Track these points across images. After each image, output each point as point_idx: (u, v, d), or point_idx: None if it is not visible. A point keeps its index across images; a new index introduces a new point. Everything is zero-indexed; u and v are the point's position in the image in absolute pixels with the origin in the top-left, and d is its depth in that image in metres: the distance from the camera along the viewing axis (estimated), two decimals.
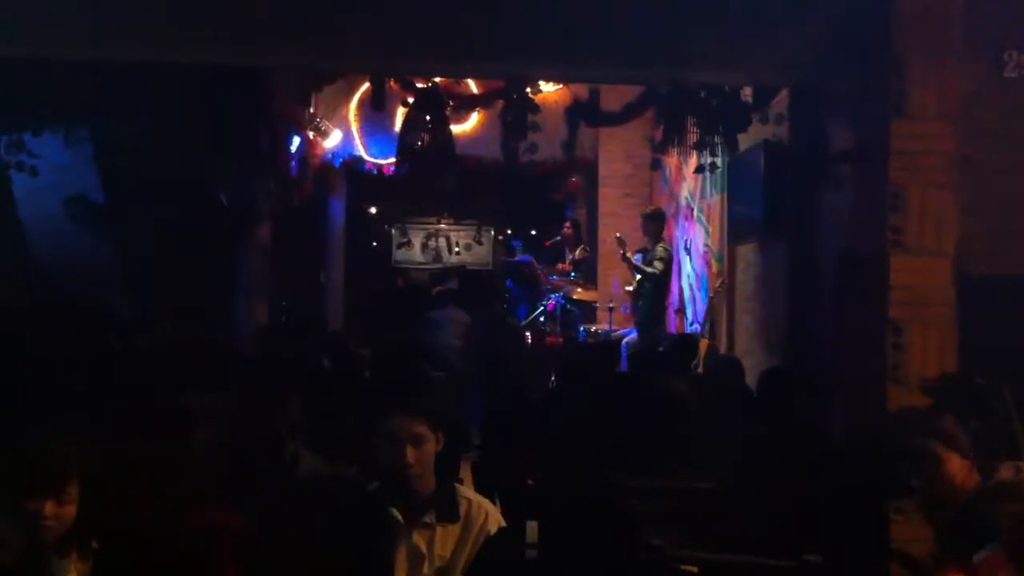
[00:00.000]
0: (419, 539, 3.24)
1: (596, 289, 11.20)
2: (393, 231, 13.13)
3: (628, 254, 9.29)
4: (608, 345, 8.05)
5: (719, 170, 8.18)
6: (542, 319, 10.63)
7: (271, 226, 9.14)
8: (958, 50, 4.87)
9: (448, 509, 3.27)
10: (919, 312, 4.83)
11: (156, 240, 8.02)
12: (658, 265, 9.13)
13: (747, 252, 8.10)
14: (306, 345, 6.33)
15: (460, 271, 10.98)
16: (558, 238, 11.55)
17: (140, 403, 3.76)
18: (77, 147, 7.80)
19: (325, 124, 10.11)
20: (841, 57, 5.23)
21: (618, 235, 9.59)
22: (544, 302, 10.71)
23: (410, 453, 3.21)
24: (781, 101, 6.69)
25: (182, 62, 5.86)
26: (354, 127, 10.51)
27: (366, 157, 10.80)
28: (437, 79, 8.38)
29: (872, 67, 5.02)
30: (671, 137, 7.19)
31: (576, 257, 11.27)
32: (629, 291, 9.71)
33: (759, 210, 7.27)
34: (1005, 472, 3.18)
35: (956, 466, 3.28)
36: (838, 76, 5.39)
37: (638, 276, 9.26)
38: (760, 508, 3.09)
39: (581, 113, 7.77)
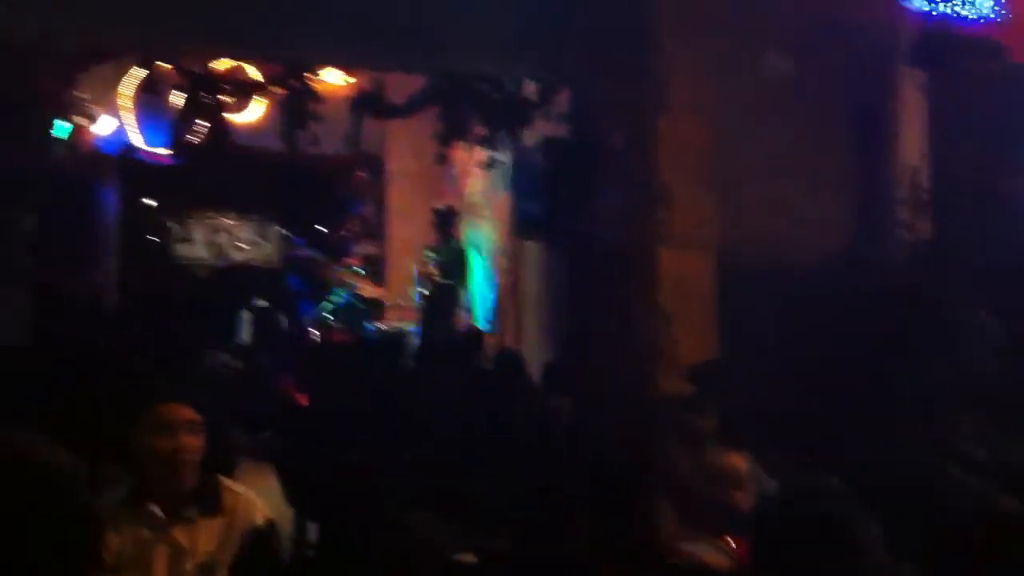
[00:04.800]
0: (180, 534, 3.12)
1: (385, 286, 11.14)
2: (173, 226, 12.59)
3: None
4: (388, 341, 8.03)
5: (504, 167, 8.31)
6: (330, 316, 10.48)
7: (35, 218, 8.57)
8: (720, 49, 5.11)
9: (210, 502, 3.16)
10: (685, 303, 5.04)
11: None
12: (452, 279, 9.15)
13: (532, 249, 8.25)
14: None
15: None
16: (344, 233, 11.42)
17: None
18: None
19: (94, 109, 9.56)
20: (609, 54, 5.39)
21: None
22: (331, 299, 10.57)
23: (183, 439, 3.09)
24: (566, 99, 6.84)
25: None
26: (127, 114, 9.99)
27: (142, 146, 10.29)
28: (215, 65, 8.11)
29: (637, 64, 5.19)
30: (455, 132, 7.26)
31: (365, 253, 11.18)
32: (423, 285, 9.70)
33: (542, 207, 7.42)
34: (734, 460, 3.34)
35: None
36: (608, 73, 5.55)
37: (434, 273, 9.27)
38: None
39: (366, 105, 7.70)
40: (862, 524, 2.05)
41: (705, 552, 2.95)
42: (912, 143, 5.92)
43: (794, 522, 2.10)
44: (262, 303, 9.99)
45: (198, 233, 12.75)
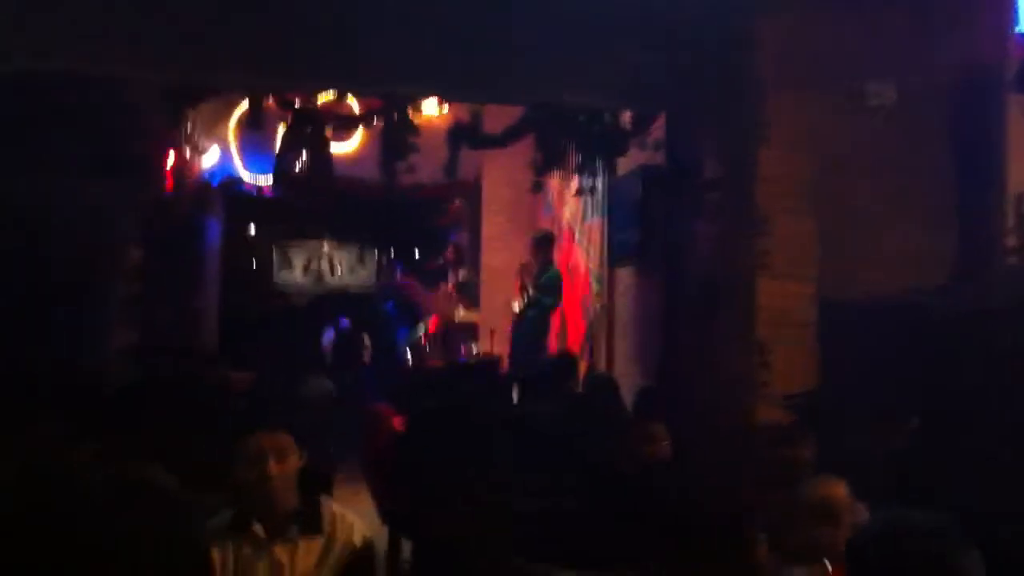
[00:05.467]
0: (281, 553, 3.22)
1: (479, 312, 11.23)
2: (273, 252, 12.93)
3: (527, 283, 9.29)
4: (482, 366, 8.08)
5: (599, 193, 8.33)
6: (423, 342, 10.61)
7: (143, 248, 8.88)
8: (821, 80, 5.08)
9: (310, 523, 3.27)
10: (783, 332, 4.99)
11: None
12: (548, 299, 9.17)
13: (626, 275, 8.25)
14: (176, 368, 6.19)
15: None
16: (440, 261, 11.57)
17: None
18: None
19: (202, 142, 9.91)
20: (710, 85, 5.40)
21: (523, 263, 9.58)
22: (426, 325, 10.71)
23: (272, 466, 3.19)
24: (660, 127, 6.85)
25: (31, 70, 5.64)
26: (232, 146, 10.32)
27: (245, 177, 10.62)
28: (318, 99, 8.33)
29: (738, 96, 5.19)
30: (551, 161, 7.32)
31: (459, 280, 11.30)
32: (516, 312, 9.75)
33: (636, 234, 7.43)
34: (832, 491, 3.30)
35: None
36: (707, 104, 5.55)
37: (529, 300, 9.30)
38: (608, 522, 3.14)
39: (462, 135, 7.81)
40: (972, 569, 2.00)
41: None
42: (1019, 171, 5.77)
43: (901, 558, 2.06)
44: (359, 328, 10.17)
45: (298, 260, 13.08)
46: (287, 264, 12.91)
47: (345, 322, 10.54)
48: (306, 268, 12.98)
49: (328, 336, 10.75)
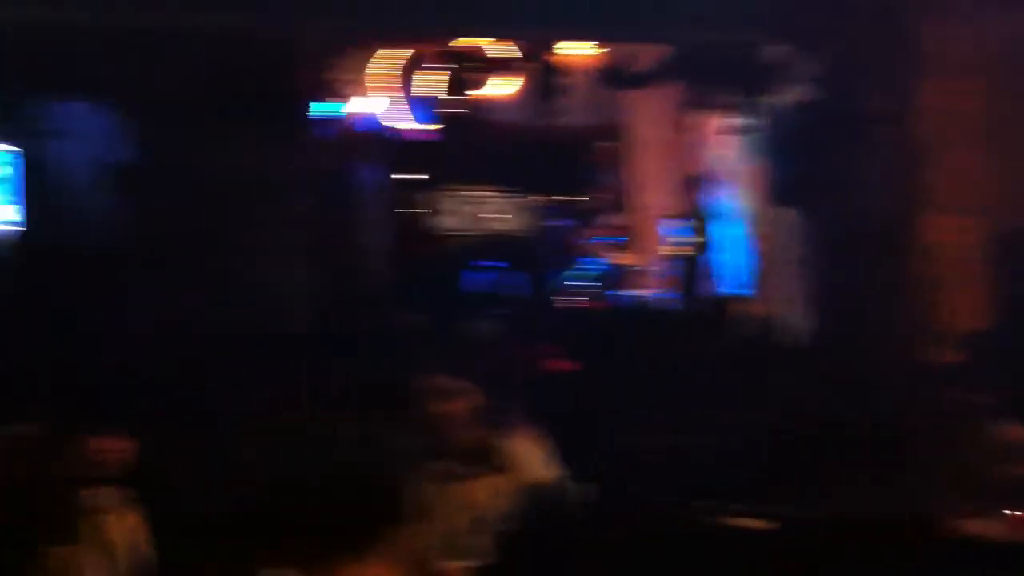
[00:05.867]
0: (465, 489, 3.38)
1: (633, 254, 11.25)
2: (431, 198, 13.19)
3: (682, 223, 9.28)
4: (640, 308, 8.12)
5: (755, 133, 8.21)
6: (580, 283, 10.71)
7: (306, 195, 9.23)
8: (985, 6, 4.88)
9: (492, 459, 3.42)
10: (951, 270, 4.88)
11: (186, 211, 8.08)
12: (695, 243, 9.15)
13: (786, 214, 8.13)
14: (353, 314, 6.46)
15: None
16: (591, 203, 11.60)
17: None
18: (111, 115, 7.89)
19: (365, 89, 10.18)
20: (870, 17, 5.25)
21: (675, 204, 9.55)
22: (581, 267, 10.81)
23: (450, 405, 3.37)
24: (817, 62, 6.68)
25: (206, 27, 5.91)
26: (396, 93, 10.56)
27: (405, 123, 10.86)
28: (472, 44, 8.45)
29: (899, 27, 5.04)
30: (702, 100, 7.27)
31: (613, 223, 11.34)
32: (671, 253, 9.74)
33: (791, 173, 7.30)
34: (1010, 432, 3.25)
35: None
36: (868, 36, 5.41)
37: (684, 241, 9.30)
38: None
39: (612, 77, 7.82)
40: None
41: (982, 525, 2.90)
42: None
43: None
44: (519, 270, 10.34)
45: (453, 205, 13.28)
46: (448, 209, 13.15)
47: (505, 264, 10.71)
48: (461, 213, 13.19)
49: (488, 279, 10.96)
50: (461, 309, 7.60)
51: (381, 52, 10.01)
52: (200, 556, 2.82)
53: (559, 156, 12.11)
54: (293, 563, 2.13)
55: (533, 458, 3.50)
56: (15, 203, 8.58)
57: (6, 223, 8.60)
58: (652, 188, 10.93)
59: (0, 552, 2.27)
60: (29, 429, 2.79)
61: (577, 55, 8.85)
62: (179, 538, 2.75)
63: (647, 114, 11.21)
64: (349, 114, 10.33)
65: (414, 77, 9.26)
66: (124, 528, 2.75)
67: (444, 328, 5.84)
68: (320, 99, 9.20)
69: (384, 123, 10.77)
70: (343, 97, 9.80)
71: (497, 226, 12.79)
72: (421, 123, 10.72)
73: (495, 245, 11.11)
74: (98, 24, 5.88)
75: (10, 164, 8.52)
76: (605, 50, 8.59)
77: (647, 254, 10.79)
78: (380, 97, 10.53)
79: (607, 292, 10.57)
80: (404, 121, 10.61)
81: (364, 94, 10.32)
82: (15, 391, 4.04)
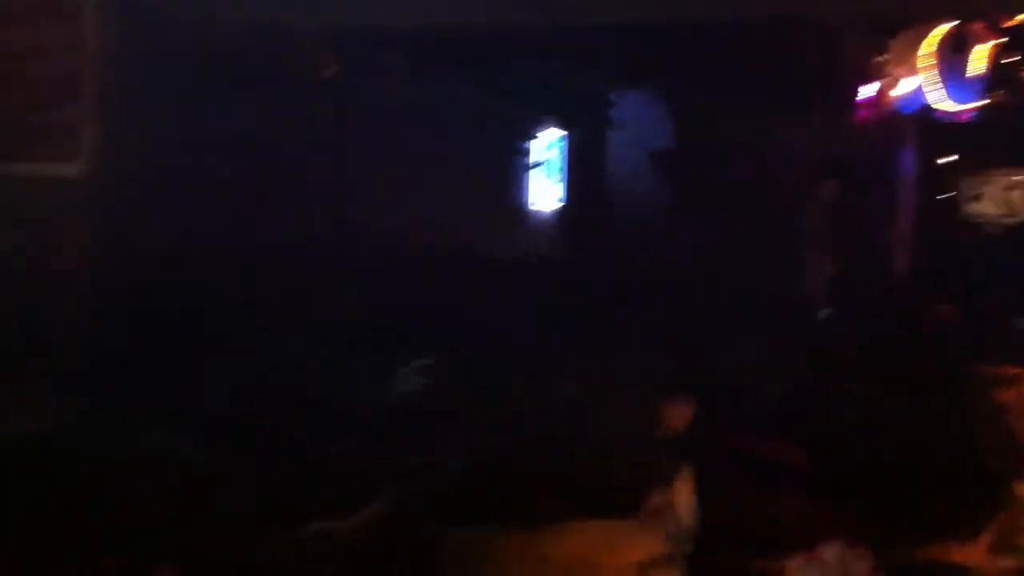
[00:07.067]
0: None
1: None
2: (963, 183, 12.40)
3: None
4: None
5: None
6: None
7: (838, 180, 9.12)
8: None
9: None
10: None
11: (716, 196, 8.37)
12: None
13: None
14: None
15: None
16: None
17: None
18: (656, 104, 8.42)
19: (896, 72, 9.80)
20: None
21: None
22: None
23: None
24: None
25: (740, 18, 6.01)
26: (927, 74, 10.04)
27: (938, 105, 10.28)
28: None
29: None
30: None
31: None
32: None
33: None
34: None
35: None
36: None
37: None
38: None
39: None
40: None
41: None
42: None
43: None
44: None
45: (989, 190, 12.39)
46: (978, 195, 12.30)
47: None
48: (999, 199, 12.25)
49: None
50: (999, 297, 7.11)
51: (925, 31, 9.54)
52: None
53: None
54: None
55: None
56: (559, 182, 9.69)
57: (550, 199, 9.71)
58: None
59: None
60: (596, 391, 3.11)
61: None
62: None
63: None
64: (893, 97, 10.00)
65: (960, 56, 8.70)
66: (686, 490, 2.96)
67: (997, 317, 5.48)
68: (866, 82, 9.01)
69: (918, 104, 10.29)
70: (888, 79, 9.54)
71: None
72: (955, 104, 10.10)
73: None
74: (661, 23, 6.30)
75: (557, 147, 9.58)
76: None
77: None
78: (922, 78, 10.06)
79: None
80: (946, 102, 10.05)
81: (907, 76, 9.93)
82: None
